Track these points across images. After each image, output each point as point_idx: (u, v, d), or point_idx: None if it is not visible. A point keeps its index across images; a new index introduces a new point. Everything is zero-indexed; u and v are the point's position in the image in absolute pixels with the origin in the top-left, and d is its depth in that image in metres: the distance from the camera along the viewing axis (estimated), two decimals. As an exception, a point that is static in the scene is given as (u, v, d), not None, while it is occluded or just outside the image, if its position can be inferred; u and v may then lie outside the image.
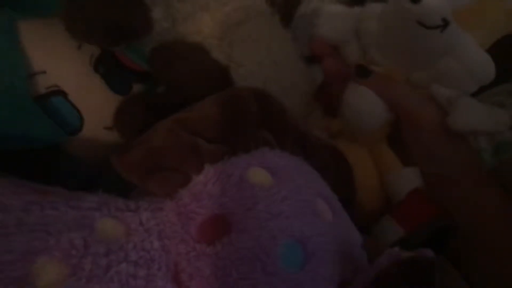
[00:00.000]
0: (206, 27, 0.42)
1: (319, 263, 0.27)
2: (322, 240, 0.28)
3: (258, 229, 0.26)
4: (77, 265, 0.22)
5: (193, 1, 0.42)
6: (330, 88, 0.42)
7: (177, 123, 0.29)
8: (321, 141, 0.35)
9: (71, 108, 0.36)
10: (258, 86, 0.35)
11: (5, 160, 0.32)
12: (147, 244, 0.25)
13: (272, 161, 0.30)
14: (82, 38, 0.35)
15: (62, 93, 0.35)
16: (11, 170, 0.31)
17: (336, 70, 0.40)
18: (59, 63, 0.36)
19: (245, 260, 0.26)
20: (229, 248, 0.26)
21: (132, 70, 0.38)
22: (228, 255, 0.26)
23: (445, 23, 0.32)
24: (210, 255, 0.26)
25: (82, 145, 0.38)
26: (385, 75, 0.37)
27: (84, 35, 0.35)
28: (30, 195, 0.25)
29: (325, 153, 0.35)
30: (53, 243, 0.22)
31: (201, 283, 0.25)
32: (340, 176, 0.35)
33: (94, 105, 0.37)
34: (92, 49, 0.37)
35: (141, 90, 0.39)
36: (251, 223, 0.26)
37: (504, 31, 0.41)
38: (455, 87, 0.36)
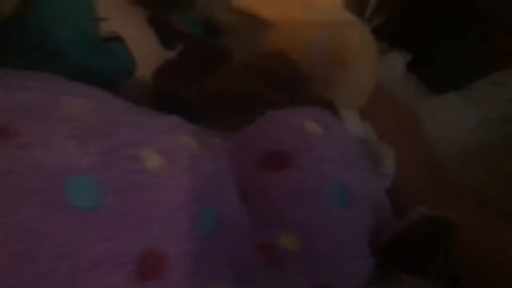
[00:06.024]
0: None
1: (359, 208, 0.31)
2: (363, 190, 0.31)
3: (315, 169, 0.30)
4: (173, 159, 0.25)
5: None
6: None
7: (247, 69, 0.32)
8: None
9: (127, 54, 0.39)
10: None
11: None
12: (221, 160, 0.28)
13: (322, 118, 0.33)
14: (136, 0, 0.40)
15: (121, 40, 0.39)
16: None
17: None
18: (121, 14, 0.40)
19: (301, 192, 0.29)
20: (288, 180, 0.29)
21: (179, 31, 0.43)
22: (287, 185, 0.29)
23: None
24: (271, 181, 0.29)
25: (133, 88, 0.41)
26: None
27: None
28: (121, 102, 0.28)
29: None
30: (152, 139, 0.25)
31: (261, 203, 0.29)
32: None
33: (146, 54, 0.40)
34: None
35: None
36: (309, 163, 0.30)
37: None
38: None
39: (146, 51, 0.40)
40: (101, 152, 0.22)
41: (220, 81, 0.32)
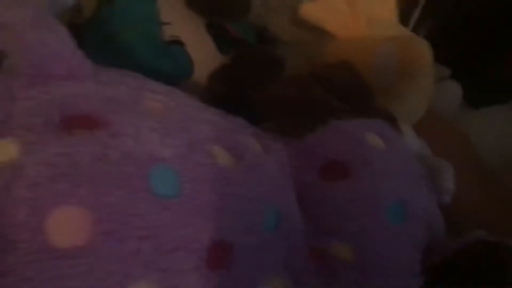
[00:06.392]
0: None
1: (414, 224, 0.31)
2: (420, 206, 0.31)
3: (373, 182, 0.30)
4: (241, 157, 0.27)
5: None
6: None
7: (313, 77, 0.33)
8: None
9: (186, 57, 0.42)
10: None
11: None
12: (282, 164, 0.29)
13: (385, 132, 0.34)
14: (193, 8, 0.42)
15: (181, 44, 0.41)
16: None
17: None
18: (182, 19, 0.42)
19: (358, 204, 0.30)
20: (346, 190, 0.30)
21: (234, 37, 0.46)
22: (344, 196, 0.30)
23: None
24: (329, 190, 0.30)
25: (190, 90, 0.43)
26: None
27: (194, 7, 0.42)
28: (193, 100, 0.30)
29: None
30: (223, 136, 0.27)
31: (317, 210, 0.30)
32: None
33: (203, 58, 0.42)
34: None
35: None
36: (368, 176, 0.30)
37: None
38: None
39: (203, 55, 0.42)
40: (181, 145, 0.24)
41: (285, 87, 0.33)
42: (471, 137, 0.48)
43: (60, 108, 0.23)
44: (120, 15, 0.40)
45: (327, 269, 0.29)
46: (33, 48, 0.23)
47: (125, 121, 0.24)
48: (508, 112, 0.54)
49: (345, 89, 0.34)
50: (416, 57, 0.40)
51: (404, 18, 0.54)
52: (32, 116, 0.22)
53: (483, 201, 0.42)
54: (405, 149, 0.34)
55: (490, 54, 0.59)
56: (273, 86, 0.34)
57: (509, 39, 0.57)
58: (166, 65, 0.41)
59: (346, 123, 0.33)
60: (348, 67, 0.36)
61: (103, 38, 0.39)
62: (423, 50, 0.41)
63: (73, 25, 0.38)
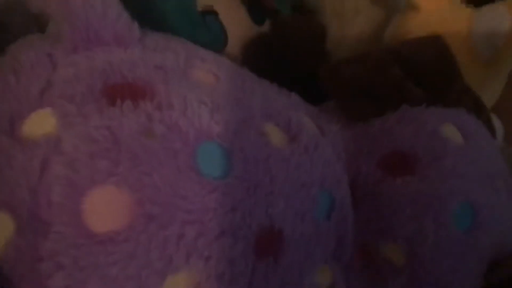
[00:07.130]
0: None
1: (482, 231, 0.27)
2: (493, 214, 0.28)
3: (440, 181, 0.27)
4: (295, 137, 0.24)
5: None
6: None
7: (391, 55, 0.29)
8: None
9: (219, 27, 0.39)
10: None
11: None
12: (337, 148, 0.27)
13: (466, 124, 0.29)
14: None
15: (215, 13, 0.39)
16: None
17: None
18: None
19: (420, 204, 0.26)
20: (408, 188, 0.27)
21: (269, 7, 0.42)
22: (405, 193, 0.26)
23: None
24: (388, 186, 0.27)
25: None
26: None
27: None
28: (243, 71, 0.28)
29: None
30: (277, 113, 0.24)
31: (371, 205, 0.27)
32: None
33: (236, 29, 0.40)
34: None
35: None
36: (435, 173, 0.27)
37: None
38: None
39: (236, 25, 0.40)
40: (231, 121, 0.21)
41: (357, 64, 0.29)
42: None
43: (103, 75, 0.22)
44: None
45: (373, 270, 0.27)
46: (77, 11, 0.22)
47: (172, 92, 0.21)
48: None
49: (425, 70, 0.29)
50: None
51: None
52: (72, 85, 0.21)
53: None
54: (488, 145, 0.30)
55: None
56: (344, 61, 0.30)
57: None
58: (202, 36, 0.39)
59: (421, 111, 0.29)
60: (438, 43, 0.31)
61: (141, 8, 0.38)
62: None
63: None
